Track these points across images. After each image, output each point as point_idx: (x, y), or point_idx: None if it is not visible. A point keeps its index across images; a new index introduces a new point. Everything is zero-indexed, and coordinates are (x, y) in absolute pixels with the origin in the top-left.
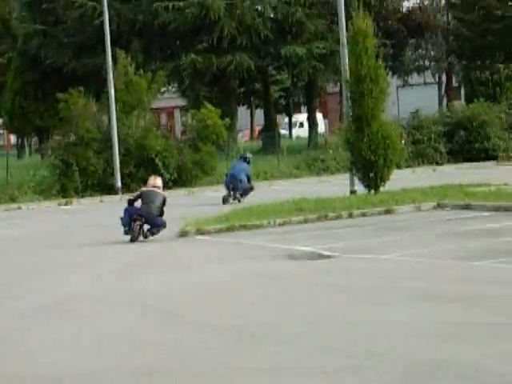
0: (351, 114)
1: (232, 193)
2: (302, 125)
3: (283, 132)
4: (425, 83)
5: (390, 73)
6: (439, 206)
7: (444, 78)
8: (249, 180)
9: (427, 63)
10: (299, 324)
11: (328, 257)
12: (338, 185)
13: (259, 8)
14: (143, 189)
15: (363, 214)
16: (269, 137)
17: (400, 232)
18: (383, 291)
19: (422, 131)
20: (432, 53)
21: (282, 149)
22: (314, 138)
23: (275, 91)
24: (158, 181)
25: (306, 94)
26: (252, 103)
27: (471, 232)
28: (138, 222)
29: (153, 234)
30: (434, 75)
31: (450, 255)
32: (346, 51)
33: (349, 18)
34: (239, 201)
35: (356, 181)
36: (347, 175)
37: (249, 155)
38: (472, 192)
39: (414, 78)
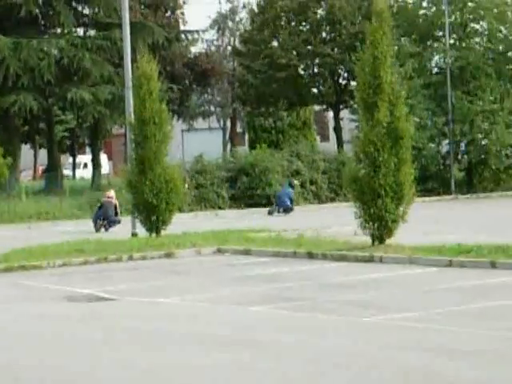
0: (134, 156)
1: (277, 208)
2: (86, 165)
3: (67, 172)
4: (210, 128)
5: (176, 117)
6: (219, 251)
7: (229, 123)
8: (291, 202)
9: (212, 108)
10: (62, 367)
11: (106, 299)
12: (121, 227)
13: (45, 49)
14: (102, 199)
15: (144, 257)
16: (52, 177)
17: (180, 276)
18: (157, 335)
19: (205, 176)
20: (218, 98)
21: (64, 189)
22: (97, 179)
23: (60, 131)
24: (110, 193)
25: (90, 135)
26: (36, 142)
27: (250, 277)
28: (99, 221)
29: (110, 226)
30: (219, 120)
31: (228, 300)
32: (131, 94)
33: (135, 61)
34: (284, 215)
35: (138, 223)
36: (130, 217)
37: (295, 182)
38: (252, 238)
39: (200, 123)
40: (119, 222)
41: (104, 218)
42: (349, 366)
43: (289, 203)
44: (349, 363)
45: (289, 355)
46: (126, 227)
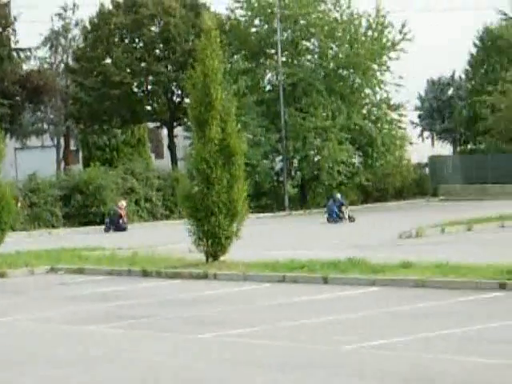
0: None
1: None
2: None
3: None
4: (43, 146)
5: (8, 135)
6: (53, 270)
7: (62, 141)
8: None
9: (46, 126)
10: None
11: None
12: None
13: None
14: (114, 207)
15: None
16: None
17: (12, 296)
18: None
19: (38, 194)
20: (51, 116)
21: None
22: None
23: None
24: (120, 203)
25: None
26: None
27: (83, 296)
28: (107, 225)
29: (116, 231)
30: (52, 138)
31: (61, 319)
32: None
33: None
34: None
35: None
36: None
37: (337, 195)
38: (86, 256)
39: (33, 141)
40: (124, 229)
41: (112, 223)
42: (173, 380)
43: (335, 215)
44: (175, 378)
45: (118, 373)
46: None
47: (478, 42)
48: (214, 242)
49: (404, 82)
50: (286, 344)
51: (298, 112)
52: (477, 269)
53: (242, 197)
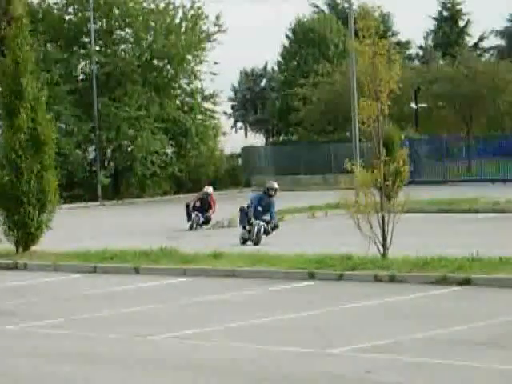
0: None
1: None
2: None
3: None
4: None
5: None
6: None
7: None
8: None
9: None
10: None
11: None
12: None
13: None
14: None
15: None
16: None
17: None
18: None
19: None
20: None
21: None
22: None
23: None
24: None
25: None
26: None
27: None
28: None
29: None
30: None
31: None
32: None
33: None
34: None
35: None
36: None
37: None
38: None
39: None
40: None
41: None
42: None
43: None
44: None
45: None
46: None
47: (290, 34)
48: (24, 232)
49: (218, 72)
50: (87, 335)
51: (111, 102)
52: (287, 259)
53: (53, 187)
